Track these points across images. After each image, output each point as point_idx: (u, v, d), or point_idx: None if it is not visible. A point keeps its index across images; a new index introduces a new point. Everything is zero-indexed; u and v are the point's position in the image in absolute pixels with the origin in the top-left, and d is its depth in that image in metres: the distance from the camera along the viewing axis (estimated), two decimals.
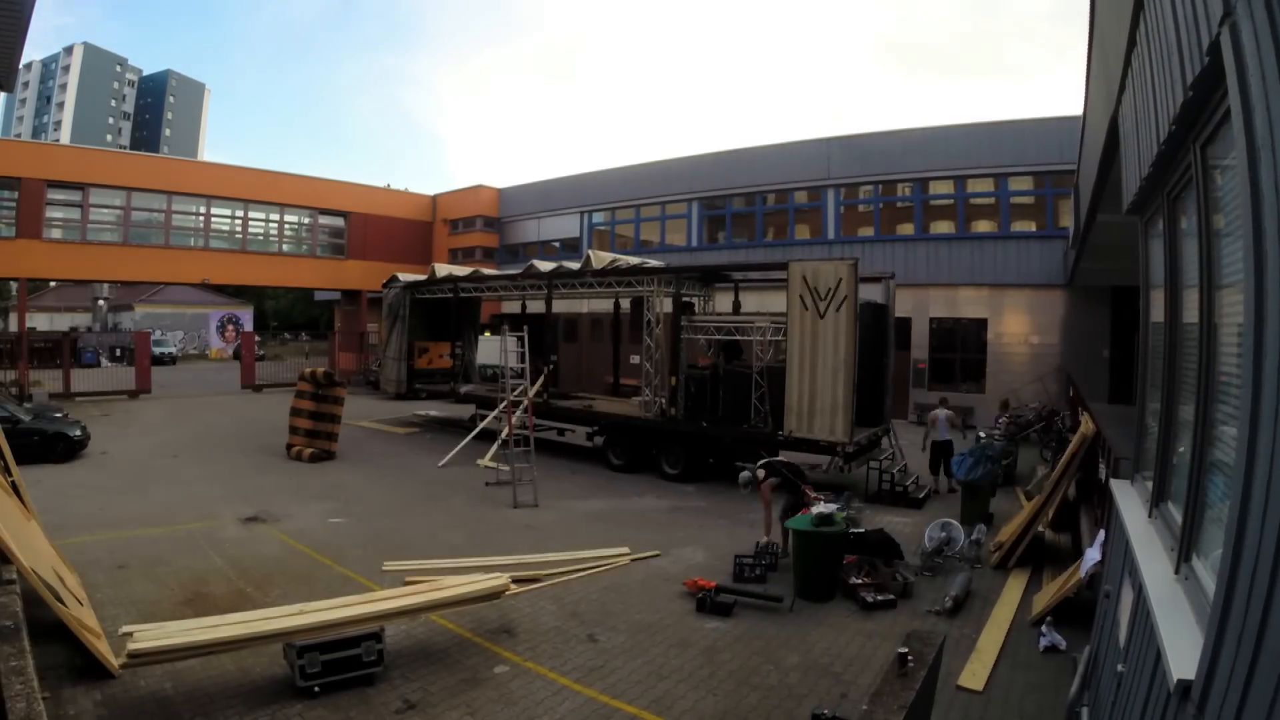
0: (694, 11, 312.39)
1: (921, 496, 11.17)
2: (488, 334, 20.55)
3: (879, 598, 7.01)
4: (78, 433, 13.74)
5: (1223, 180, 2.65)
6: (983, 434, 12.41)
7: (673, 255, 24.24)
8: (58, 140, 76.57)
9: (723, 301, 15.60)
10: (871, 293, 12.76)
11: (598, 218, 28.66)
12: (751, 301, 15.80)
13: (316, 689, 5.09)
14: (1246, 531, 1.93)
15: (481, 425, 15.02)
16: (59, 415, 14.98)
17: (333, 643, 5.15)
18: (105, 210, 25.06)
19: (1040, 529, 8.30)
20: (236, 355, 28.73)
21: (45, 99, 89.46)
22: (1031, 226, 19.85)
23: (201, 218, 27.24)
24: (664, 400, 12.98)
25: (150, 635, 4.85)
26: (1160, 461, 3.75)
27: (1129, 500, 4.39)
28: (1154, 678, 2.75)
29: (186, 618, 6.23)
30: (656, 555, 8.47)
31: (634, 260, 15.50)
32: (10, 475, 6.72)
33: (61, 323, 46.84)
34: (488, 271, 20.62)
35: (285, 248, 29.45)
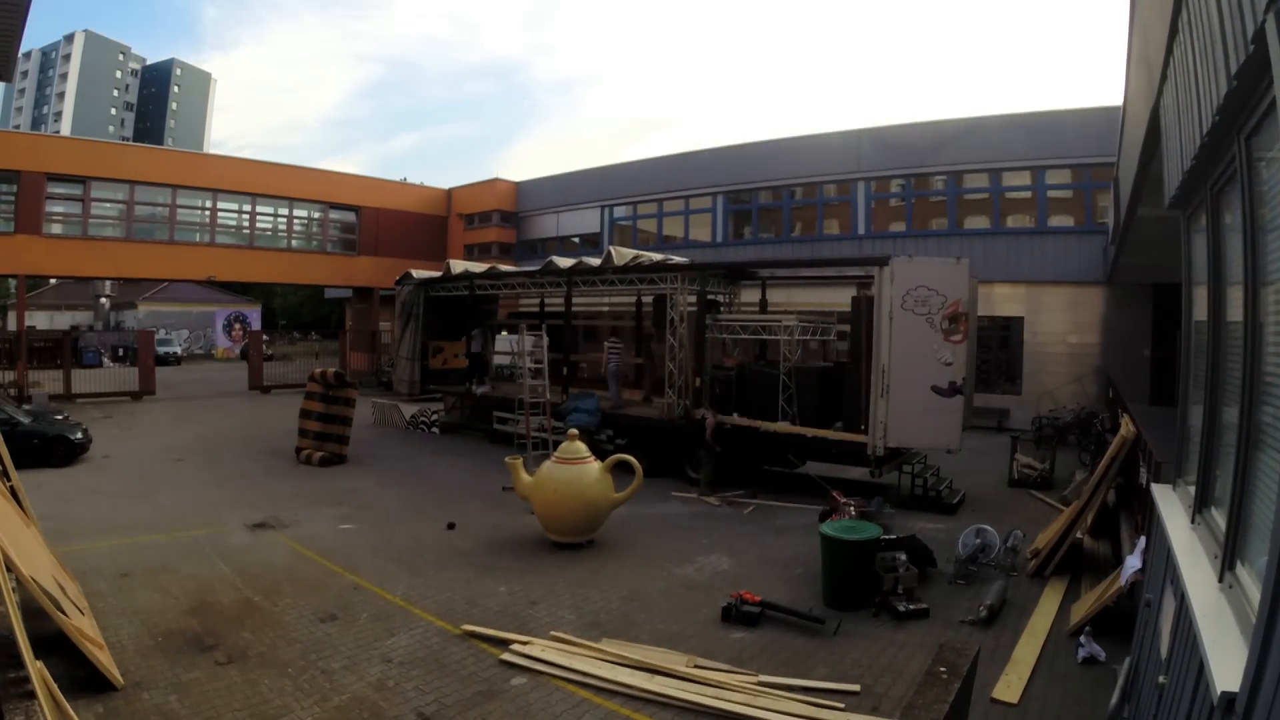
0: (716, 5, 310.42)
1: (955, 502, 10.87)
2: (505, 333, 20.35)
3: (911, 606, 6.80)
4: (79, 435, 13.41)
5: (1268, 173, 2.58)
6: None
7: (697, 251, 23.75)
8: (58, 132, 73.16)
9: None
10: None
11: (619, 212, 28.18)
12: (779, 298, 15.55)
13: None
14: None
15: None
16: (59, 417, 14.63)
17: None
18: (107, 204, 24.24)
19: (1079, 535, 8.01)
20: (244, 355, 28.55)
21: (45, 89, 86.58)
22: (1070, 221, 19.25)
23: (207, 212, 26.47)
24: (688, 402, 12.75)
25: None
26: (1203, 466, 3.68)
27: (1171, 506, 4.32)
28: (1196, 690, 2.71)
29: (191, 628, 6.19)
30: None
31: (657, 256, 15.28)
32: (9, 480, 6.64)
33: (62, 321, 46.13)
34: (505, 268, 20.09)
35: (294, 243, 28.65)
